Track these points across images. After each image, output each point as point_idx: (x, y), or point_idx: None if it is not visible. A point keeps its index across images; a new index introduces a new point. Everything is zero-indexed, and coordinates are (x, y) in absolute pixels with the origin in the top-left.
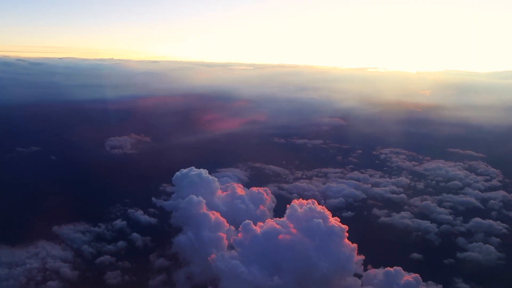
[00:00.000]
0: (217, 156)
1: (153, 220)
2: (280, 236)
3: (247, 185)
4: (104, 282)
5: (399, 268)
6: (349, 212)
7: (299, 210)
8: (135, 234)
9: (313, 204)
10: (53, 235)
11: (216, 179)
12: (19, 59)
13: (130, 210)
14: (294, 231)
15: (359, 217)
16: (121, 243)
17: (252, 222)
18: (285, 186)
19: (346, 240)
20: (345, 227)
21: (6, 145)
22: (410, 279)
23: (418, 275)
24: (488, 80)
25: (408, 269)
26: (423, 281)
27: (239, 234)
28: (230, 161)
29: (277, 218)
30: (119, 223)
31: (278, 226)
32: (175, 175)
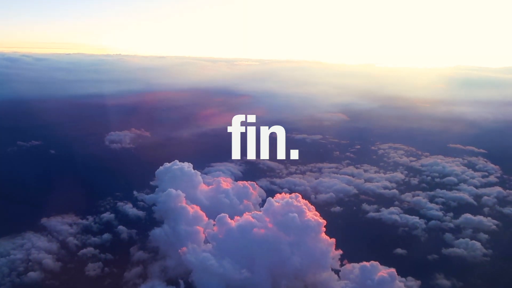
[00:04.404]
0: (213, 150)
1: (141, 213)
2: (255, 230)
3: (240, 180)
4: (84, 274)
5: (375, 263)
6: (338, 207)
7: (275, 204)
8: (120, 227)
9: (296, 198)
10: (41, 226)
11: (198, 173)
12: (23, 55)
13: (120, 203)
14: (270, 225)
15: (347, 212)
16: (106, 236)
17: (227, 216)
18: (277, 180)
19: (323, 235)
20: (323, 221)
21: (7, 139)
22: (385, 275)
23: (394, 270)
24: (500, 76)
25: (389, 264)
26: (403, 276)
27: (214, 228)
28: (226, 155)
29: (255, 212)
30: (107, 215)
31: (253, 220)
32: (158, 169)
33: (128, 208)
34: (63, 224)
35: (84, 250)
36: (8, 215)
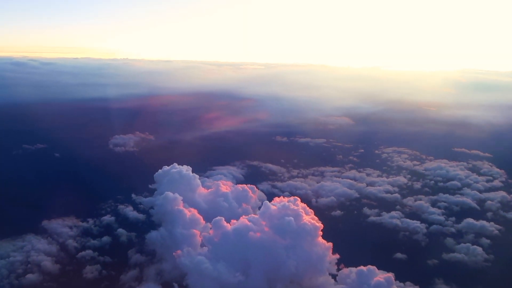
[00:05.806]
0: (216, 154)
1: (141, 216)
2: (251, 234)
3: (241, 183)
4: (81, 276)
5: (373, 268)
6: (339, 211)
7: (271, 207)
8: (120, 230)
9: (293, 202)
10: (41, 229)
11: (197, 176)
12: (31, 59)
13: (120, 206)
14: (266, 229)
15: (348, 216)
16: (105, 238)
17: (223, 219)
18: (279, 184)
19: (320, 239)
20: (320, 225)
21: (13, 142)
22: (381, 279)
23: (391, 275)
24: (507, 79)
25: (388, 269)
26: (401, 281)
27: (210, 231)
28: (228, 159)
29: (251, 215)
30: (107, 218)
31: (249, 224)
32: (157, 173)
33: (129, 211)
34: (64, 226)
35: (83, 253)
36: (11, 217)
